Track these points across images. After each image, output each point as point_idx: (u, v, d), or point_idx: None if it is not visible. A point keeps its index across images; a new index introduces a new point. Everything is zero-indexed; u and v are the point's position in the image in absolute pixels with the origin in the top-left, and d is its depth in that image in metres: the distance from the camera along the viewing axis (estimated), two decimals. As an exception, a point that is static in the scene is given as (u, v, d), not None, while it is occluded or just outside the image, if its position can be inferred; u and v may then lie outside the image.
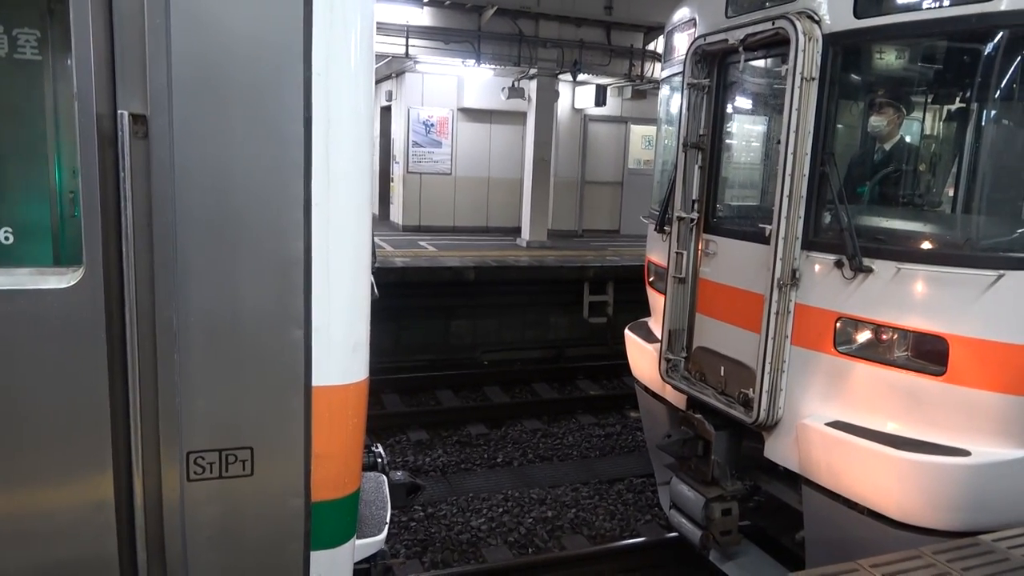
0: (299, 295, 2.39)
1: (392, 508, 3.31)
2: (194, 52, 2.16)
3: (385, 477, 3.56)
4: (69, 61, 2.13)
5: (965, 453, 3.83)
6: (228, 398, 2.39)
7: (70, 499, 2.33)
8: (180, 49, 2.14)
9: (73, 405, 2.26)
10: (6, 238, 2.37)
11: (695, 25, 5.34)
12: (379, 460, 3.70)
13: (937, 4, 3.88)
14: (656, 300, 6.05)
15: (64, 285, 2.17)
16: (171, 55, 2.14)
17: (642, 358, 6.07)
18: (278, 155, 2.30)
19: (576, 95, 17.13)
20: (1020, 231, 4.06)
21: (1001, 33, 3.78)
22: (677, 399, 5.55)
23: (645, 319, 6.59)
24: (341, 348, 2.54)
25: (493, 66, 14.79)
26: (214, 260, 2.29)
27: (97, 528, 2.35)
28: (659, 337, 5.58)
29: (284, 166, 2.31)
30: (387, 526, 3.10)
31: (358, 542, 2.90)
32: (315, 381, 2.47)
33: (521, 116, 15.92)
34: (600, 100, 16.13)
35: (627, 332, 6.49)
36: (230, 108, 2.23)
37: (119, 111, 2.14)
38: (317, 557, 2.64)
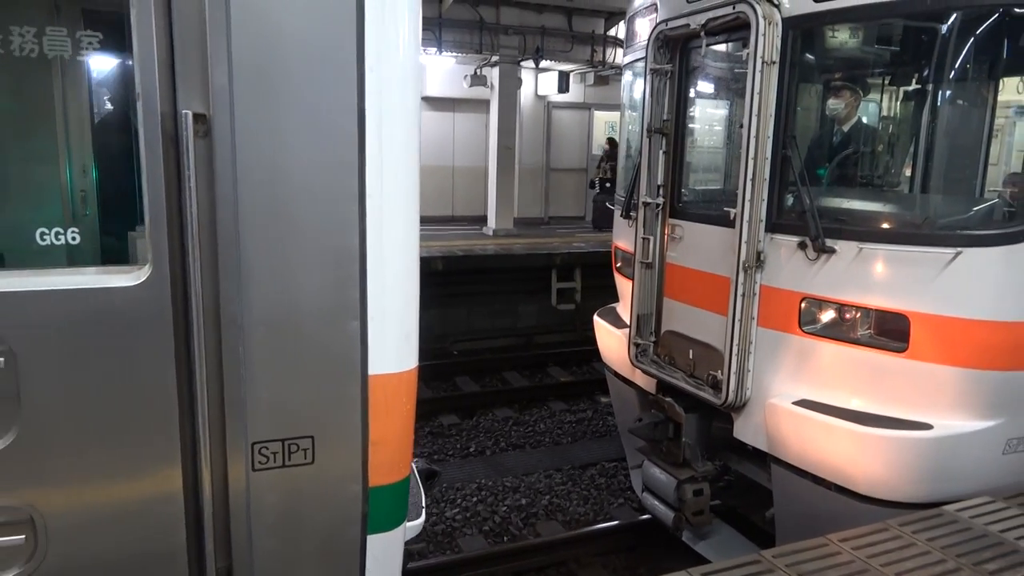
0: (355, 286, 2.46)
1: None
2: (253, 52, 2.20)
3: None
4: (129, 62, 2.22)
5: (927, 427, 3.93)
6: (290, 389, 2.46)
7: (141, 492, 2.38)
8: (240, 50, 2.18)
9: (143, 400, 2.31)
10: (73, 239, 2.37)
11: (656, 10, 5.35)
12: None
13: (893, -13, 3.94)
14: (624, 285, 6.09)
15: (132, 283, 2.23)
16: (231, 55, 2.18)
17: (611, 343, 6.11)
18: (333, 150, 2.35)
19: (539, 82, 17.10)
20: (976, 209, 4.16)
21: (955, 15, 3.85)
22: (647, 383, 5.60)
23: (613, 305, 6.63)
24: (395, 337, 2.62)
25: (455, 54, 14.68)
26: (274, 255, 2.34)
27: (167, 520, 2.41)
28: (628, 322, 5.62)
29: (339, 160, 2.36)
30: (424, 510, 3.22)
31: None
32: (371, 370, 2.55)
33: (484, 104, 15.85)
34: (563, 87, 16.13)
35: (596, 318, 6.52)
36: (288, 105, 2.27)
37: (182, 111, 2.18)
38: (373, 541, 2.73)
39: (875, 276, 4.03)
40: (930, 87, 4.29)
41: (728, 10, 4.49)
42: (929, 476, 3.95)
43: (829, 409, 4.17)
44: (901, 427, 3.93)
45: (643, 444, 5.57)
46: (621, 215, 6.01)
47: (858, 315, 4.11)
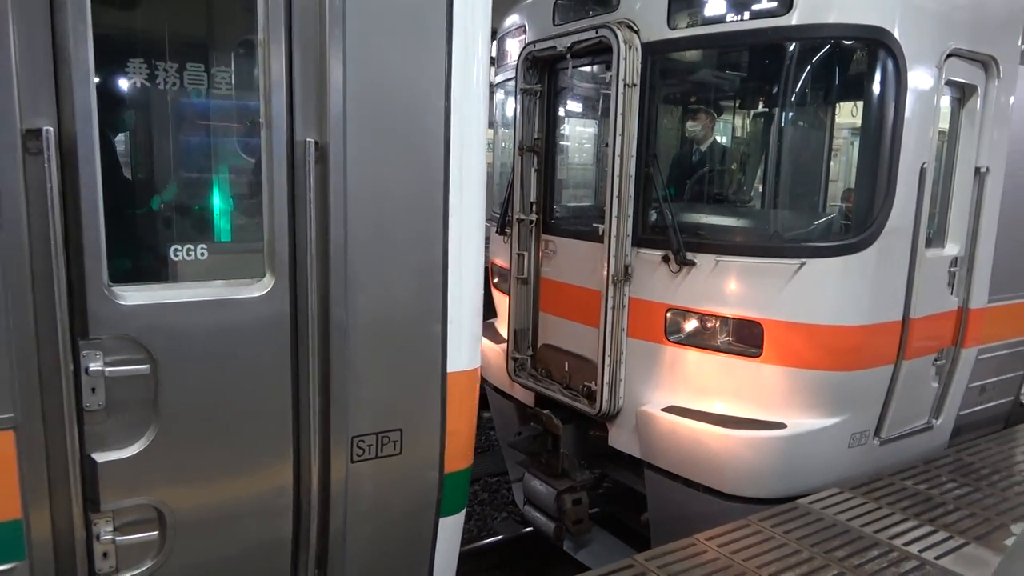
0: (438, 293, 2.80)
1: None
2: (363, 89, 2.52)
3: None
4: (256, 95, 2.46)
5: (781, 426, 4.21)
6: (384, 386, 2.76)
7: (258, 487, 2.59)
8: (353, 86, 2.49)
9: (262, 401, 2.53)
10: (202, 254, 2.53)
11: (525, 31, 5.49)
12: None
13: (739, 17, 4.24)
14: (501, 301, 6.16)
15: (257, 294, 2.48)
16: (347, 91, 2.47)
17: (490, 358, 6.15)
18: (425, 174, 2.71)
19: (415, 98, 17.04)
20: (817, 223, 4.52)
21: (793, 44, 4.19)
22: (526, 396, 5.68)
23: (492, 320, 6.69)
24: (468, 339, 2.95)
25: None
26: (375, 266, 2.66)
27: (277, 511, 2.64)
28: (506, 337, 5.69)
29: (429, 183, 2.71)
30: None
31: None
32: (449, 368, 2.88)
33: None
34: (439, 103, 16.16)
35: (475, 334, 6.54)
36: (390, 136, 2.61)
37: (306, 140, 2.45)
38: (443, 523, 3.02)
39: (731, 287, 4.29)
40: (775, 110, 4.63)
41: (591, 34, 4.67)
42: (785, 472, 4.23)
43: (694, 414, 4.39)
44: (758, 427, 4.20)
45: (524, 457, 5.63)
46: (497, 231, 6.08)
47: (717, 324, 4.36)
